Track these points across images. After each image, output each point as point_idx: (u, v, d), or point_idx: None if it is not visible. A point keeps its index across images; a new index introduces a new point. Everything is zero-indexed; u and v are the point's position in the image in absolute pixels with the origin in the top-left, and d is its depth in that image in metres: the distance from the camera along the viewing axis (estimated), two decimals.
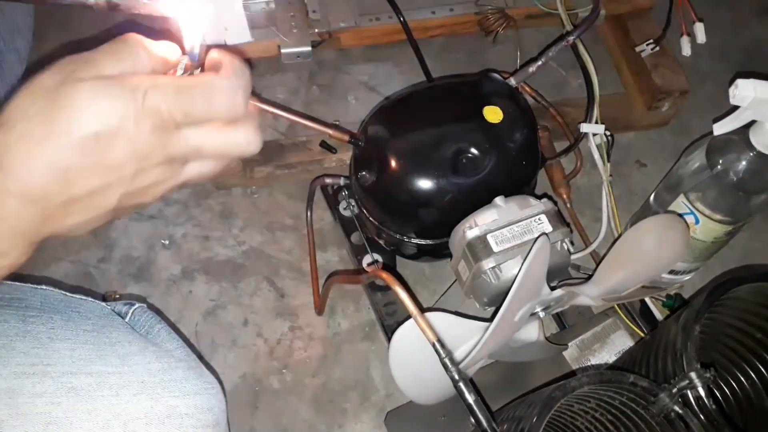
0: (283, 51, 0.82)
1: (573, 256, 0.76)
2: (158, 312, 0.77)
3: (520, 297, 0.52)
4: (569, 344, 0.72)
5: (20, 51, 0.72)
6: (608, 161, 0.80)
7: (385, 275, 0.53)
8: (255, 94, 0.43)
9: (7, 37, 0.70)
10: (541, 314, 0.60)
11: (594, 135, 0.79)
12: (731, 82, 0.57)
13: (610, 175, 0.79)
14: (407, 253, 0.75)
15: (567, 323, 0.75)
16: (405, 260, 0.78)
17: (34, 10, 0.75)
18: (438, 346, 0.49)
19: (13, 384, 0.42)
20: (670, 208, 0.70)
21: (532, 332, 0.63)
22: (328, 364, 0.75)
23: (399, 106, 0.70)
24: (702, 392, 0.48)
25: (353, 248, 0.78)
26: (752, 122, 0.60)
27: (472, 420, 0.48)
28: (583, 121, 0.80)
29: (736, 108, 0.59)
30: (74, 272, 0.80)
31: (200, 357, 0.75)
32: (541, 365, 0.71)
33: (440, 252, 0.71)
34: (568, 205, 0.81)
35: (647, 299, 0.74)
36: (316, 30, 0.86)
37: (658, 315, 0.75)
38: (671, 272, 0.75)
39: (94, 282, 0.79)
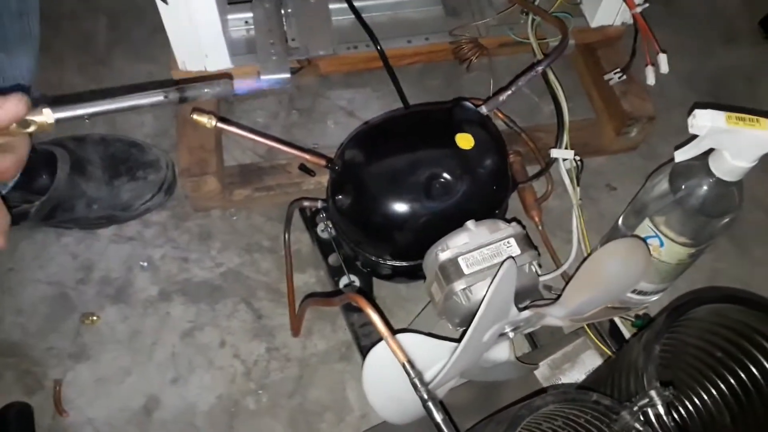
0: (262, 77, 0.84)
1: (544, 278, 0.79)
2: (135, 334, 0.78)
3: (487, 318, 0.54)
4: (540, 364, 0.74)
5: (21, 93, 0.74)
6: (578, 185, 0.82)
7: (357, 298, 0.54)
8: (234, 122, 0.45)
9: (11, 78, 0.71)
10: (511, 334, 0.62)
11: (564, 160, 0.82)
12: (690, 112, 0.60)
13: (580, 199, 0.82)
14: (383, 275, 0.77)
15: (538, 343, 0.77)
16: (382, 281, 0.79)
17: (38, 54, 0.76)
18: (408, 366, 0.50)
19: None
20: (636, 231, 0.72)
21: (502, 352, 0.65)
22: (304, 384, 0.76)
23: (374, 132, 0.72)
24: (661, 410, 0.50)
25: (330, 270, 0.79)
26: (711, 149, 0.63)
27: None
28: (553, 147, 0.83)
29: (696, 136, 0.62)
30: (51, 293, 0.80)
31: (176, 378, 0.75)
32: (513, 385, 0.72)
33: (415, 273, 0.73)
34: (540, 228, 0.83)
35: (616, 319, 0.76)
36: (296, 57, 0.88)
37: (627, 334, 0.77)
38: (639, 293, 0.77)
39: (72, 303, 0.80)
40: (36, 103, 0.47)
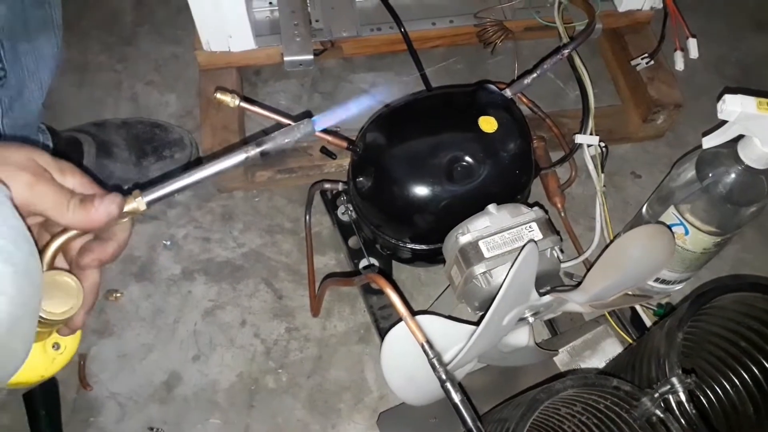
0: (285, 59, 0.84)
1: (566, 264, 0.78)
2: (158, 311, 0.79)
3: (507, 301, 0.54)
4: (560, 350, 0.74)
5: (43, 81, 0.74)
6: (602, 172, 0.81)
7: (377, 278, 0.54)
8: (257, 101, 0.46)
9: (32, 67, 0.72)
10: (531, 319, 0.62)
11: (588, 146, 0.81)
12: (719, 97, 0.59)
13: (604, 186, 0.81)
14: (403, 258, 0.77)
15: (559, 329, 0.76)
16: (401, 265, 0.79)
17: (61, 42, 0.77)
18: (426, 346, 0.50)
19: None
20: (661, 218, 0.71)
21: (522, 337, 0.65)
22: (323, 365, 0.76)
23: (396, 114, 0.72)
24: (683, 397, 0.49)
25: (350, 252, 0.80)
26: (740, 136, 0.62)
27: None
28: (578, 132, 0.82)
29: (725, 122, 0.61)
30: None
31: (198, 356, 0.76)
32: (532, 370, 0.72)
33: (435, 257, 0.73)
34: (562, 214, 0.82)
35: (638, 307, 0.76)
36: (319, 39, 0.87)
37: (649, 323, 0.76)
38: (662, 282, 0.76)
39: None
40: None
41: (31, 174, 0.38)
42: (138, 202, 0.42)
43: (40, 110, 0.76)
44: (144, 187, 0.43)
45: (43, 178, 0.39)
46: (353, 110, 0.53)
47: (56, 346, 0.49)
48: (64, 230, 0.42)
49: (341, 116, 0.52)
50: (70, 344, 0.50)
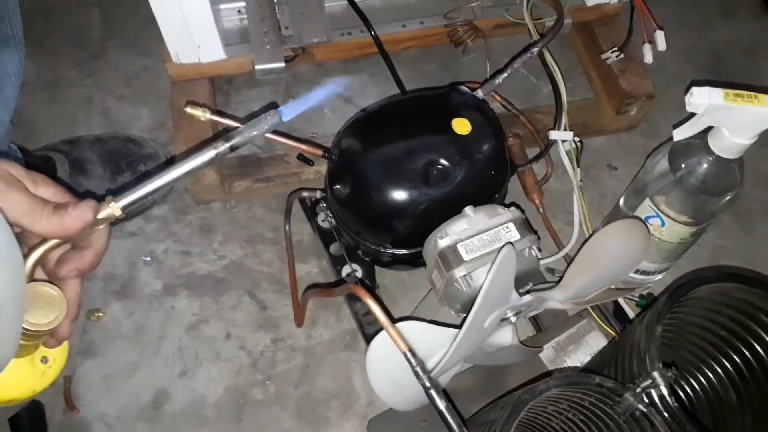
0: (256, 68, 0.84)
1: (546, 260, 0.79)
2: (141, 329, 0.79)
3: (487, 304, 0.54)
4: (545, 346, 0.74)
5: (7, 98, 0.73)
6: (578, 166, 0.82)
7: (357, 289, 0.54)
8: (229, 114, 0.45)
9: None
10: (513, 319, 0.62)
11: (563, 141, 0.81)
12: (687, 89, 0.59)
13: (581, 180, 0.81)
14: (384, 263, 0.77)
15: (542, 326, 0.77)
16: (384, 269, 0.79)
17: (24, 58, 0.75)
18: (409, 355, 0.50)
19: None
20: (637, 211, 0.72)
21: (505, 336, 0.65)
22: (310, 374, 0.76)
23: (369, 120, 0.71)
24: (665, 391, 0.50)
25: (332, 259, 0.79)
26: (710, 127, 0.62)
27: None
28: (552, 128, 0.82)
29: (694, 114, 0.62)
30: None
31: (184, 372, 0.76)
32: (519, 368, 0.72)
33: (416, 261, 0.72)
34: (541, 210, 0.83)
35: (620, 300, 0.76)
36: (290, 46, 0.87)
37: (631, 314, 0.77)
38: (642, 273, 0.77)
39: None
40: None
41: (3, 182, 0.38)
42: (112, 207, 0.42)
43: (8, 128, 0.75)
44: (117, 192, 0.43)
45: (16, 187, 0.39)
46: (319, 98, 0.53)
47: (44, 359, 0.49)
48: (42, 242, 0.41)
49: (308, 105, 0.51)
50: (58, 356, 0.49)
